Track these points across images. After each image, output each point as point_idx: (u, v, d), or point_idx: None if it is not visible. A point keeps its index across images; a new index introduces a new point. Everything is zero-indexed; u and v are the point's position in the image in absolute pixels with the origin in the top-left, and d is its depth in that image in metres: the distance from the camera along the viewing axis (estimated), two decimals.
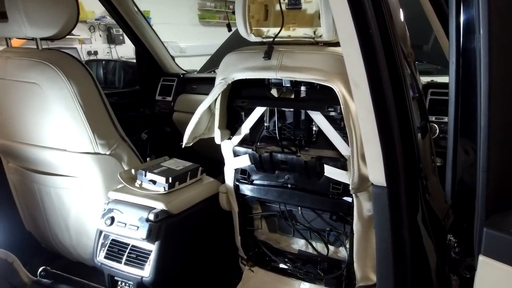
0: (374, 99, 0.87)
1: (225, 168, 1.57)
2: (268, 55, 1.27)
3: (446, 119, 1.55)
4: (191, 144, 1.46)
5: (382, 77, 0.86)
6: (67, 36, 1.56)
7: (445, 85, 1.59)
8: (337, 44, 1.23)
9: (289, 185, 1.45)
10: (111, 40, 5.09)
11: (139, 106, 2.43)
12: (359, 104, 0.91)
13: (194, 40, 6.04)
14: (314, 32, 1.24)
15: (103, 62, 2.72)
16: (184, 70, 2.54)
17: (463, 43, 0.74)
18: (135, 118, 2.40)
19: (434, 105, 1.60)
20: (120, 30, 3.72)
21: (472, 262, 0.84)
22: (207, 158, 1.96)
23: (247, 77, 1.32)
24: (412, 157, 0.94)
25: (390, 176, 0.92)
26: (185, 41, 5.74)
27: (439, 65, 2.03)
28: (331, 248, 1.55)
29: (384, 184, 0.93)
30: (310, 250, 1.59)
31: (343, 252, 1.52)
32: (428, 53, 2.06)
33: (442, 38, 1.44)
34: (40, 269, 1.23)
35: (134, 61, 2.56)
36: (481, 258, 0.74)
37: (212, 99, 1.38)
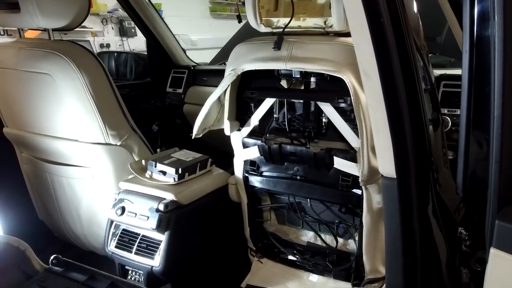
0: (384, 88, 0.86)
1: (235, 160, 1.57)
2: (278, 46, 1.26)
3: (458, 112, 1.52)
4: (200, 136, 1.46)
5: (393, 67, 0.84)
6: (80, 29, 1.58)
7: (458, 77, 1.56)
8: (347, 34, 1.21)
9: (298, 177, 1.45)
10: (123, 32, 5.12)
11: (150, 98, 2.44)
12: (369, 94, 0.89)
13: (205, 33, 6.03)
14: (325, 22, 1.23)
15: (115, 54, 2.74)
16: (195, 62, 2.54)
17: (477, 30, 0.72)
18: (146, 110, 2.41)
19: (447, 97, 1.57)
20: (132, 23, 3.74)
21: (483, 255, 0.82)
22: (217, 149, 1.96)
23: (257, 68, 1.32)
24: (423, 148, 0.93)
25: (400, 167, 0.91)
26: (196, 34, 5.74)
27: (452, 58, 1.99)
28: (340, 240, 1.54)
29: (394, 176, 0.92)
30: (319, 242, 1.59)
31: (352, 245, 1.51)
32: (442, 45, 2.02)
33: (455, 29, 1.41)
34: (52, 257, 1.24)
35: (146, 53, 2.57)
36: (493, 251, 0.73)
37: (221, 90, 1.38)
